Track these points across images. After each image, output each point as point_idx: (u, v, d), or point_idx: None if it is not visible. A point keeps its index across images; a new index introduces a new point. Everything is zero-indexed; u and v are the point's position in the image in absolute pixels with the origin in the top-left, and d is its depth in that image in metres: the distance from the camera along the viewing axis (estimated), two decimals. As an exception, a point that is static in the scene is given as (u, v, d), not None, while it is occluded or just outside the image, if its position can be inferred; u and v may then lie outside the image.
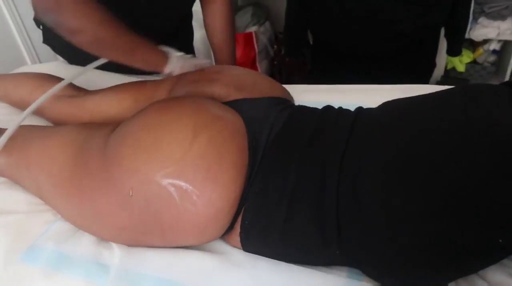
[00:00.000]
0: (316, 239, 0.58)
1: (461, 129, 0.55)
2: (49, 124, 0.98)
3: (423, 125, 0.58)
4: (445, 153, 0.54)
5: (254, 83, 0.79)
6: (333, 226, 0.56)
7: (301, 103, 0.84)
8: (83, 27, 0.73)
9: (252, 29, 2.14)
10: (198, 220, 0.60)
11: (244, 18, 2.14)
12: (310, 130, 0.65)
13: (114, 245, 0.67)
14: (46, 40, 1.20)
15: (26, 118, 0.76)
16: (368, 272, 0.59)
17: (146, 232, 0.63)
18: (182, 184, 0.58)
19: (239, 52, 2.07)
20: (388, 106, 0.67)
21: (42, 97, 0.78)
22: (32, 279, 0.63)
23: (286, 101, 0.78)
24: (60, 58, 1.28)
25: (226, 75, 0.80)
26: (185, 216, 0.59)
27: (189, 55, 0.88)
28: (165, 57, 0.84)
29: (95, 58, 0.86)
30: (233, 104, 0.71)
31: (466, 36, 1.82)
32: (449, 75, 2.08)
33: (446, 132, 0.56)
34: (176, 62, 0.84)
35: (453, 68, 2.02)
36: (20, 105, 1.03)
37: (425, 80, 1.59)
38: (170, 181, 0.58)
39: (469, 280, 0.59)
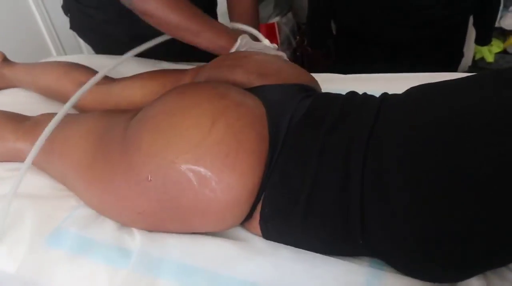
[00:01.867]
0: (338, 228, 0.57)
1: (496, 112, 0.52)
2: (73, 112, 1.00)
3: (452, 109, 0.56)
4: (476, 138, 0.51)
5: (279, 70, 0.77)
6: (357, 214, 0.55)
7: (325, 91, 0.83)
8: (153, 11, 0.80)
9: (275, 20, 2.12)
10: (217, 207, 0.59)
11: (266, 9, 2.12)
12: (334, 116, 0.63)
13: (135, 230, 0.67)
14: (72, 27, 1.22)
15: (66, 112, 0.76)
16: (391, 262, 0.58)
17: (165, 217, 0.63)
18: (201, 169, 0.58)
19: (261, 43, 2.06)
20: (415, 91, 0.65)
21: (78, 93, 0.79)
22: (55, 262, 0.65)
23: (311, 89, 0.77)
24: (85, 51, 1.30)
25: (249, 62, 0.79)
26: (204, 202, 0.59)
27: (262, 45, 0.88)
28: (232, 41, 0.85)
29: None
30: (255, 91, 0.70)
31: (496, 25, 1.76)
32: (477, 66, 2.02)
33: (478, 115, 0.53)
34: (242, 46, 0.85)
35: (482, 58, 1.96)
36: (48, 93, 1.06)
37: (452, 71, 1.54)
38: (189, 166, 0.58)
39: (498, 272, 0.57)
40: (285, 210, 0.60)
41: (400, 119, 0.59)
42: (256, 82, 0.73)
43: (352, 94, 0.70)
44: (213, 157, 0.58)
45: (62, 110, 0.75)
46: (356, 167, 0.56)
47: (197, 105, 0.62)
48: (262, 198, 0.61)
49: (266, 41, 0.94)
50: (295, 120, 0.64)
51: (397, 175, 0.54)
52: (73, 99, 0.77)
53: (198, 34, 0.85)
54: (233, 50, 0.86)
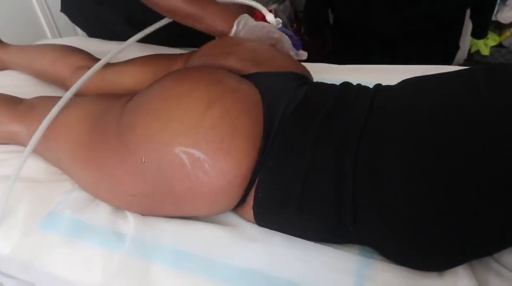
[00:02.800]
0: (331, 216, 0.58)
1: (491, 108, 0.53)
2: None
3: (447, 103, 0.57)
4: (470, 133, 0.53)
5: (272, 58, 0.78)
6: (349, 202, 0.56)
7: (317, 80, 0.83)
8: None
9: (272, 7, 2.10)
10: (210, 189, 0.60)
11: (264, -5, 2.11)
12: (328, 106, 0.64)
13: (129, 215, 0.68)
14: (64, 10, 1.20)
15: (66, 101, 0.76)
16: (381, 251, 0.59)
17: (159, 199, 0.64)
18: (195, 152, 0.58)
19: (258, 30, 2.05)
20: (408, 83, 0.65)
21: (84, 77, 0.79)
22: (50, 245, 0.65)
23: (305, 78, 0.77)
24: (80, 33, 1.29)
25: (243, 49, 0.79)
26: (197, 184, 0.60)
27: (260, 25, 0.87)
28: (230, 26, 0.86)
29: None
30: (250, 77, 0.71)
31: (493, 18, 1.76)
32: (472, 59, 2.03)
33: (473, 111, 0.54)
34: (240, 31, 0.85)
35: (477, 52, 1.96)
36: (42, 76, 1.05)
37: (448, 63, 1.55)
38: (183, 148, 0.58)
39: (483, 262, 0.58)
40: (278, 196, 0.61)
41: (393, 111, 0.60)
42: (251, 69, 0.74)
43: (346, 85, 0.71)
44: (208, 140, 0.59)
45: (63, 98, 0.75)
46: (350, 157, 0.57)
47: (192, 90, 0.63)
48: (255, 183, 0.62)
49: (270, 16, 0.92)
50: (290, 109, 0.65)
51: (391, 166, 0.55)
52: (75, 87, 0.77)
53: (200, 20, 0.86)
54: (231, 35, 0.86)
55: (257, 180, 0.62)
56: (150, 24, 0.91)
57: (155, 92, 0.66)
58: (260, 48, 0.81)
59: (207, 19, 0.86)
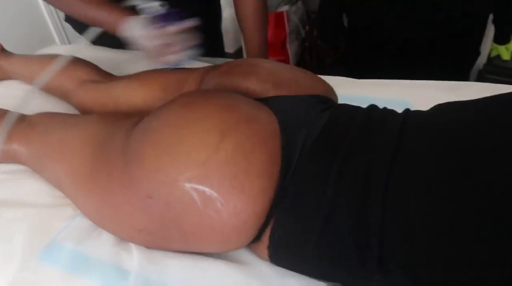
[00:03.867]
0: (353, 259, 0.53)
1: None
2: (72, 110, 0.95)
3: (482, 139, 0.51)
4: (503, 172, 0.47)
5: (294, 78, 0.72)
6: (375, 245, 0.51)
7: (340, 97, 0.77)
8: None
9: (284, 8, 2.05)
10: (221, 229, 0.55)
11: (275, -4, 2.05)
12: (352, 137, 0.58)
13: (133, 247, 0.64)
14: (68, 19, 1.17)
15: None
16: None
17: (166, 236, 0.59)
18: (206, 189, 0.53)
19: (269, 33, 1.98)
20: (440, 112, 0.59)
21: (43, 77, 0.75)
22: (49, 281, 0.61)
23: (328, 101, 0.71)
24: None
25: (263, 69, 0.73)
26: (208, 223, 0.55)
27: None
28: (122, 19, 0.82)
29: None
30: (268, 102, 0.65)
31: (516, 22, 1.68)
32: (492, 63, 1.95)
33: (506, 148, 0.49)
34: (136, 25, 0.81)
35: (497, 56, 1.89)
36: (45, 88, 1.01)
37: (468, 69, 1.48)
38: (193, 185, 0.53)
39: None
40: (297, 237, 0.56)
41: (426, 146, 0.54)
42: (271, 92, 0.68)
43: (372, 109, 0.65)
44: (220, 177, 0.53)
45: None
46: (376, 193, 0.52)
47: (205, 118, 0.57)
48: (272, 222, 0.57)
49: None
50: (311, 139, 0.60)
51: (423, 213, 0.49)
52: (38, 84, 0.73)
53: (86, 10, 0.84)
54: (121, 27, 0.82)
55: (273, 219, 0.57)
56: None
57: (164, 118, 0.60)
58: (280, 68, 0.75)
59: (96, 10, 0.84)
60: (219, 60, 1.08)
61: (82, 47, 1.20)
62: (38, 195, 0.75)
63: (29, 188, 0.76)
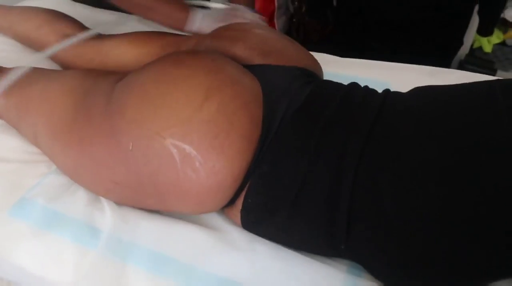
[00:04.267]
0: (323, 230, 0.55)
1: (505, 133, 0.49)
2: (55, 67, 0.93)
3: (461, 124, 0.53)
4: (484, 160, 0.49)
5: (282, 49, 0.72)
6: (343, 217, 0.52)
7: (324, 74, 0.78)
8: None
9: (274, -18, 2.01)
10: (197, 189, 0.56)
11: (266, -31, 2.01)
12: (332, 111, 0.59)
13: (106, 206, 0.64)
14: None
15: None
16: (370, 270, 0.56)
17: (141, 191, 0.59)
18: (186, 147, 0.54)
19: (257, 5, 1.97)
20: (421, 93, 0.61)
21: (60, 45, 0.72)
22: (19, 236, 0.61)
23: (313, 75, 0.72)
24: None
25: (252, 36, 0.73)
26: (184, 182, 0.55)
27: (222, 10, 0.82)
28: (186, 15, 0.81)
29: None
30: (254, 69, 0.65)
31: (500, 15, 1.71)
32: (474, 55, 1.98)
33: (489, 133, 0.50)
34: (200, 20, 0.80)
35: (480, 48, 1.92)
36: (25, 41, 0.98)
37: (449, 58, 1.51)
38: (173, 141, 0.53)
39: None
40: (270, 204, 0.57)
41: (401, 125, 0.56)
42: (257, 59, 0.68)
43: (353, 87, 0.66)
44: (201, 135, 0.54)
45: (35, 56, 0.68)
46: (349, 170, 0.53)
47: (191, 76, 0.57)
48: (247, 187, 0.58)
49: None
50: (292, 110, 0.60)
51: (391, 186, 0.51)
52: (52, 50, 0.71)
53: (152, 9, 0.82)
54: (188, 25, 0.82)
55: (248, 184, 0.57)
56: None
57: (151, 74, 0.60)
58: (269, 36, 0.75)
59: (163, 8, 0.82)
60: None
61: (62, 2, 1.15)
62: (13, 150, 0.73)
63: (4, 143, 0.74)
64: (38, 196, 0.65)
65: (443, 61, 1.48)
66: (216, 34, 0.76)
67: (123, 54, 0.84)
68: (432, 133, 0.53)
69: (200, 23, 0.82)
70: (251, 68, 0.66)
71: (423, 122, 0.55)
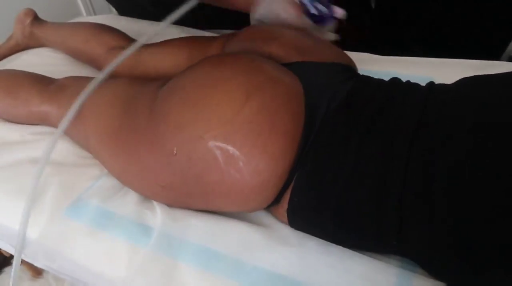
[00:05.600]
0: (372, 226, 0.53)
1: None
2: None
3: (505, 113, 0.50)
4: None
5: (316, 46, 0.72)
6: (394, 215, 0.51)
7: (362, 73, 0.77)
8: None
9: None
10: (242, 188, 0.56)
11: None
12: (377, 104, 0.58)
13: (156, 206, 0.65)
14: None
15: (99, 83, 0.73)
16: (424, 266, 0.54)
17: (188, 193, 0.60)
18: (229, 148, 0.54)
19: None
20: (467, 84, 0.58)
21: (117, 60, 0.75)
22: (75, 234, 0.63)
23: (351, 70, 0.71)
24: (114, 11, 1.27)
25: (285, 35, 0.73)
26: (229, 181, 0.56)
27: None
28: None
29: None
30: (292, 67, 0.65)
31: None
32: (523, 52, 1.89)
33: None
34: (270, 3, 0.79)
35: (529, 44, 1.83)
36: (76, 55, 1.04)
37: (498, 54, 1.45)
38: (217, 143, 0.54)
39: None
40: (316, 202, 0.56)
41: (451, 117, 0.54)
42: (294, 57, 0.68)
43: (396, 81, 0.64)
44: (243, 135, 0.54)
45: (95, 79, 0.72)
46: (399, 165, 0.52)
47: (230, 77, 0.58)
48: (291, 185, 0.58)
49: None
50: (334, 105, 0.59)
51: (444, 179, 0.49)
52: (108, 69, 0.74)
53: None
54: (258, 8, 0.80)
55: (293, 182, 0.57)
56: (176, 4, 0.86)
57: (191, 77, 0.61)
58: (302, 35, 0.75)
59: None
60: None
61: (111, 18, 1.21)
62: (66, 155, 0.77)
63: (58, 149, 0.77)
64: (92, 197, 0.68)
65: (491, 58, 1.42)
66: (247, 35, 0.77)
67: (161, 62, 0.87)
68: (483, 127, 0.50)
69: (268, 10, 0.80)
70: (290, 66, 0.66)
71: (472, 114, 0.52)
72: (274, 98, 0.56)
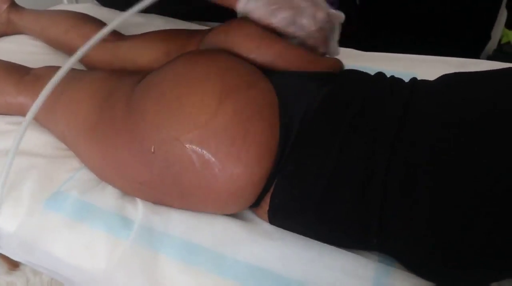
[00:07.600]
0: (353, 226, 0.54)
1: None
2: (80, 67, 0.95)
3: (495, 112, 0.51)
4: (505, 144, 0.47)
5: (297, 52, 0.70)
6: (376, 215, 0.51)
7: (347, 68, 0.77)
8: None
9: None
10: (219, 194, 0.56)
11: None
12: (358, 104, 0.58)
13: (138, 199, 0.65)
14: None
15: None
16: (403, 261, 0.55)
17: (165, 192, 0.60)
18: (205, 152, 0.54)
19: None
20: (449, 80, 0.59)
21: (84, 48, 0.71)
22: (54, 227, 0.62)
23: (330, 74, 0.69)
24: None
25: (266, 38, 0.70)
26: (205, 185, 0.55)
27: None
28: None
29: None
30: (268, 72, 0.64)
31: (529, 8, 1.66)
32: (502, 50, 1.93)
33: None
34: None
35: (508, 43, 1.87)
36: (54, 44, 1.02)
37: (477, 53, 1.47)
38: (193, 146, 0.54)
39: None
40: (297, 202, 0.56)
41: (433, 113, 0.54)
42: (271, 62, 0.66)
43: (379, 76, 0.65)
44: (218, 142, 0.54)
45: (64, 66, 0.69)
46: (381, 163, 0.52)
47: (205, 78, 0.57)
48: (272, 188, 0.58)
49: None
50: (313, 108, 0.59)
51: (426, 176, 0.50)
52: (76, 56, 0.72)
53: None
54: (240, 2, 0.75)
55: (274, 185, 0.57)
56: None
57: (166, 75, 0.60)
58: (283, 41, 0.73)
59: None
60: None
61: (92, 7, 1.19)
62: (44, 146, 0.76)
63: (36, 140, 0.76)
64: (72, 189, 0.67)
65: (470, 56, 1.45)
66: (223, 28, 0.74)
67: (139, 56, 0.85)
68: (464, 124, 0.51)
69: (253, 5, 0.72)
70: (265, 71, 0.64)
71: (454, 111, 0.53)
72: (248, 105, 0.56)
